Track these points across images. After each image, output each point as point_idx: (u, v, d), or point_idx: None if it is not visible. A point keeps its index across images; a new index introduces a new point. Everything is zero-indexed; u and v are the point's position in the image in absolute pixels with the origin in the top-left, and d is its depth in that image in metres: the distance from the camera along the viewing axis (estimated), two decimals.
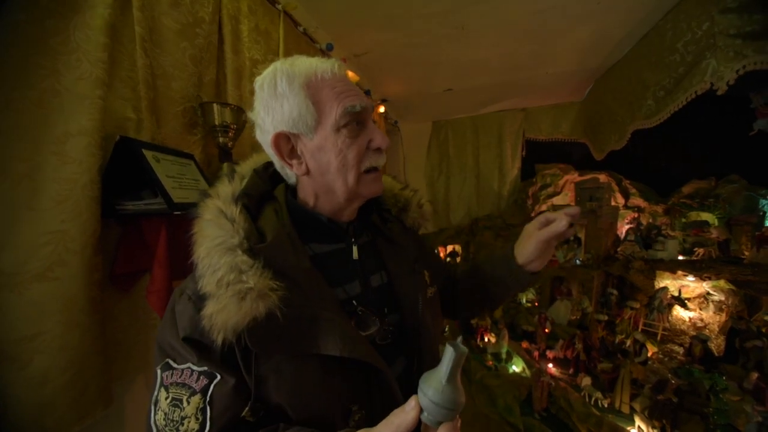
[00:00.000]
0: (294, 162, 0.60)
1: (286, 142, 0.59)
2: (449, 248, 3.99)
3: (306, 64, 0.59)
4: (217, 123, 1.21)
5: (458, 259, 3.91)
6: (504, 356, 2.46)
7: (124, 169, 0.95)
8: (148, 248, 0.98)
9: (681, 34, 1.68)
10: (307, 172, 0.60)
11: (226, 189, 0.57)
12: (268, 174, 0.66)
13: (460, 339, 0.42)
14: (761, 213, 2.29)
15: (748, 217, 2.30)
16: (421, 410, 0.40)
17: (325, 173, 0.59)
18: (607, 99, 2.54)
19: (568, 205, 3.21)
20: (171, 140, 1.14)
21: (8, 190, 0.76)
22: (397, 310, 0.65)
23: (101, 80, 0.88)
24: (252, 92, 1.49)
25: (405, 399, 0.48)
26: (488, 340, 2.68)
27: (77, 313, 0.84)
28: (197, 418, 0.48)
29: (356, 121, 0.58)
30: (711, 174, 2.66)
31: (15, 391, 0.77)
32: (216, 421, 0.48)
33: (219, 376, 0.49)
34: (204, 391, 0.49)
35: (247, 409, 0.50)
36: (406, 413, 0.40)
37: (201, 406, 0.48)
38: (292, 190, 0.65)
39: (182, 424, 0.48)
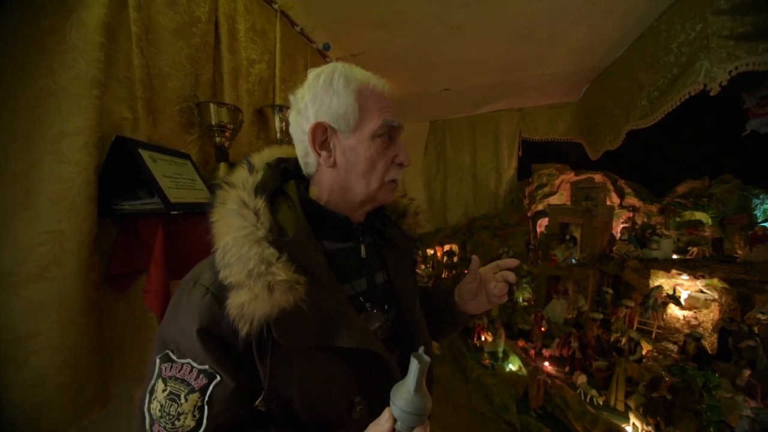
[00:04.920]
0: (323, 153, 0.62)
1: (322, 133, 0.61)
2: (446, 247, 4.00)
3: (363, 73, 0.63)
4: (213, 123, 1.21)
5: (455, 259, 3.93)
6: (500, 355, 2.48)
7: (120, 168, 0.94)
8: (145, 248, 0.97)
9: (675, 35, 1.70)
10: (334, 165, 0.62)
11: (248, 180, 0.58)
12: (279, 169, 0.67)
13: (422, 349, 0.46)
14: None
15: (741, 216, 2.33)
16: (395, 420, 0.45)
17: (350, 171, 0.62)
18: (603, 99, 2.56)
19: (564, 206, 3.22)
20: (167, 140, 1.13)
21: (4, 190, 0.76)
22: (396, 306, 0.70)
23: (97, 80, 0.88)
24: (248, 92, 1.50)
25: None
26: (485, 338, 2.69)
27: (74, 313, 0.84)
28: (194, 416, 0.49)
29: (389, 135, 0.62)
30: (705, 174, 2.69)
31: (11, 391, 0.77)
32: (213, 421, 0.49)
33: (219, 377, 0.49)
34: (203, 390, 0.49)
35: (260, 399, 0.52)
36: (381, 425, 0.44)
37: (199, 404, 0.49)
38: (304, 185, 0.67)
39: (178, 419, 0.48)
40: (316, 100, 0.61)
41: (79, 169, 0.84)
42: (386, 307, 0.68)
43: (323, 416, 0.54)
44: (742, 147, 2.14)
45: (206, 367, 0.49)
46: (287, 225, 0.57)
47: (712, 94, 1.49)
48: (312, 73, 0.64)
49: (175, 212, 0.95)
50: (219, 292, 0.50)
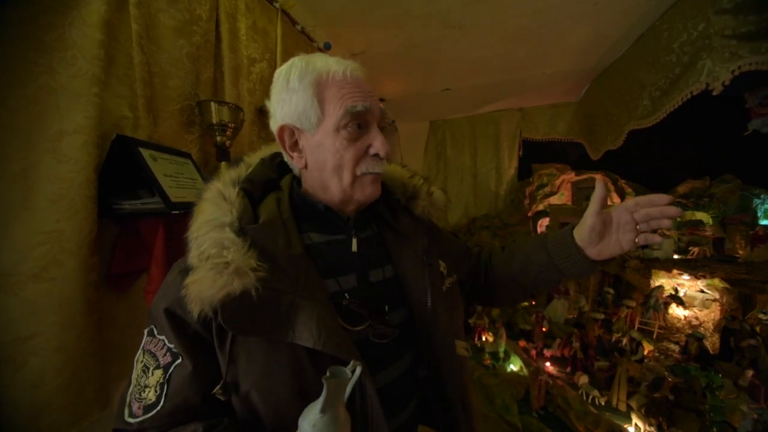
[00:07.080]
0: (295, 155, 0.61)
1: (290, 135, 0.60)
2: None
3: (321, 62, 0.58)
4: (214, 121, 1.20)
5: None
6: (501, 355, 2.47)
7: (120, 167, 0.93)
8: (146, 248, 0.97)
9: (677, 35, 1.69)
10: (306, 167, 0.61)
11: (229, 174, 0.59)
12: (275, 164, 0.66)
13: (352, 364, 0.39)
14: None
15: (742, 216, 2.33)
16: None
17: (322, 170, 0.59)
18: (604, 99, 2.56)
19: (565, 205, 3.22)
20: (168, 139, 1.12)
21: (2, 189, 0.75)
22: (406, 304, 0.64)
23: (97, 78, 0.87)
24: (249, 91, 1.50)
25: (388, 400, 0.53)
26: (486, 339, 2.69)
27: (73, 313, 0.83)
28: (156, 391, 0.51)
29: (357, 124, 0.57)
30: (705, 174, 2.69)
31: (10, 393, 0.76)
32: (169, 400, 0.50)
33: (180, 359, 0.51)
34: (166, 368, 0.51)
35: (218, 387, 0.50)
36: None
37: (161, 381, 0.51)
38: (297, 180, 0.66)
39: (144, 391, 0.51)
40: (279, 100, 0.59)
41: (78, 168, 0.83)
42: (386, 308, 0.61)
43: (284, 418, 0.49)
44: (743, 147, 2.14)
45: (173, 346, 0.51)
46: (263, 215, 0.56)
47: (714, 93, 1.48)
48: (275, 74, 0.61)
49: (176, 212, 0.94)
50: (185, 274, 0.50)
